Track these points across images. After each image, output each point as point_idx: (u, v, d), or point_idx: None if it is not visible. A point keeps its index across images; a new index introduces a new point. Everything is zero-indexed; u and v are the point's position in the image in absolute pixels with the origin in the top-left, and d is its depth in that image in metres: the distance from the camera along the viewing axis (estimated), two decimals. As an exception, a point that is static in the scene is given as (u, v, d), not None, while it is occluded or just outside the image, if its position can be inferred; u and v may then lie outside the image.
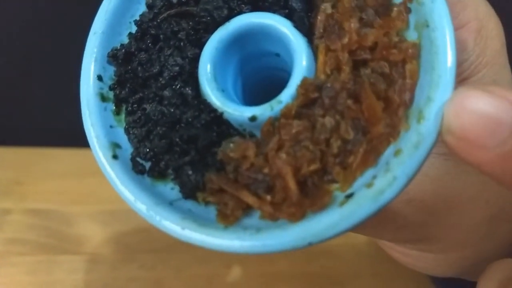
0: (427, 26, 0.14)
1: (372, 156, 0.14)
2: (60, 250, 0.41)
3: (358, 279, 0.40)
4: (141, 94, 0.18)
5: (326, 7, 0.16)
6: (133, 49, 0.19)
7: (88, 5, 0.50)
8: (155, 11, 0.19)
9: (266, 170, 0.16)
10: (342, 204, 0.14)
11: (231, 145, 0.16)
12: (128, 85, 0.19)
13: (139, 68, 0.18)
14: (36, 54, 0.53)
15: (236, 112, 0.17)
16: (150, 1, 0.19)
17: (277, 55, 0.18)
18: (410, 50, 0.14)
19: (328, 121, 0.15)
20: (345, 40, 0.15)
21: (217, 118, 0.17)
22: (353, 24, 0.15)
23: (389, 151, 0.14)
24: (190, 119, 0.17)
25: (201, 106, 0.17)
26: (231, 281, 0.38)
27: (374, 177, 0.14)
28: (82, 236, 0.42)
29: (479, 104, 0.13)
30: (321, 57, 0.16)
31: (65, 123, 0.56)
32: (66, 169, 0.52)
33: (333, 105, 0.15)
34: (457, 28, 0.18)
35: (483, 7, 0.19)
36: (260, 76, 0.20)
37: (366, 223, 0.15)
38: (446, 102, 0.13)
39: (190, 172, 0.17)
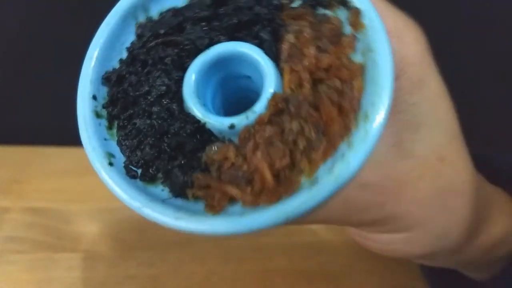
0: (371, 51, 0.19)
1: (330, 150, 0.18)
2: (58, 248, 0.41)
3: (353, 275, 0.40)
4: (131, 111, 0.21)
5: (290, 37, 0.20)
6: (124, 73, 0.21)
7: (88, 5, 0.51)
8: (144, 40, 0.21)
9: (245, 168, 0.19)
10: (310, 187, 0.18)
11: (214, 148, 0.19)
12: (120, 103, 0.21)
13: (129, 89, 0.21)
14: (35, 53, 0.53)
15: (217, 122, 0.20)
16: (139, 31, 0.22)
17: (249, 77, 0.22)
18: (356, 70, 0.19)
19: (295, 125, 0.19)
20: (306, 63, 0.19)
21: (200, 128, 0.20)
22: (312, 51, 0.19)
23: (344, 145, 0.18)
24: (177, 130, 0.20)
25: (186, 118, 0.20)
26: (229, 278, 0.39)
27: (333, 165, 0.18)
28: (80, 234, 0.43)
29: None
30: (286, 76, 0.20)
31: (63, 122, 0.56)
32: (64, 168, 0.52)
33: (298, 113, 0.19)
34: None
35: (401, 18, 0.23)
36: (237, 94, 0.23)
37: (333, 210, 0.22)
38: None
39: (179, 174, 0.19)
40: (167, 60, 0.21)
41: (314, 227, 0.45)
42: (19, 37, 0.52)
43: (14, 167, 0.51)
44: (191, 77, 0.20)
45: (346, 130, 0.18)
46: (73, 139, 0.52)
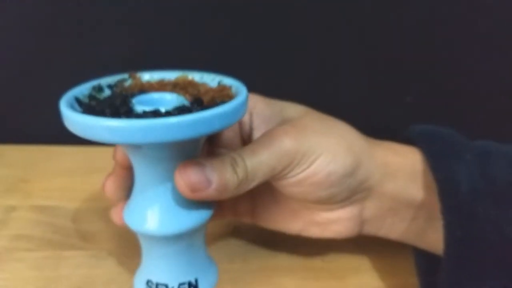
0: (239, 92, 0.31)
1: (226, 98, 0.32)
2: (66, 246, 0.41)
3: (358, 274, 0.40)
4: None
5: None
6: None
7: (92, 5, 0.51)
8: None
9: None
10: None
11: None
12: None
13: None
14: (41, 53, 0.54)
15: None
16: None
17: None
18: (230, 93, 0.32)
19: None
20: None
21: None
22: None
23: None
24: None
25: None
26: (233, 275, 0.39)
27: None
28: (87, 232, 0.43)
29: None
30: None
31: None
32: (70, 167, 0.53)
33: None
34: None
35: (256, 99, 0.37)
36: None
37: (305, 184, 0.33)
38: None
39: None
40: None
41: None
42: (26, 38, 0.53)
43: (21, 166, 0.52)
44: None
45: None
46: (79, 138, 0.53)
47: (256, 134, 0.37)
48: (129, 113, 0.28)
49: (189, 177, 0.28)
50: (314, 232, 0.38)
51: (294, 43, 0.54)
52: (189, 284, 0.33)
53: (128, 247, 0.41)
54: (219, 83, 0.34)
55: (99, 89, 0.32)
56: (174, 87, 0.33)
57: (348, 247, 0.43)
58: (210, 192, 0.29)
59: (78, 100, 0.31)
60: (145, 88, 0.33)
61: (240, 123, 0.37)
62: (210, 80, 0.34)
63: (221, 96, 0.31)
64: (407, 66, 0.55)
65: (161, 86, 0.33)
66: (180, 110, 0.28)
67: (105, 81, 0.33)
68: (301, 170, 0.33)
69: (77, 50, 0.54)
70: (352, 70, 0.56)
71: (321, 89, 0.56)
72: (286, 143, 0.32)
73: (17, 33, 0.52)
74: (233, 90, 0.32)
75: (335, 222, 0.37)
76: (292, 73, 0.56)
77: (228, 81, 0.33)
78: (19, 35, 0.52)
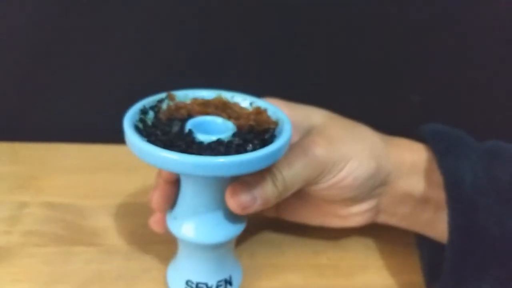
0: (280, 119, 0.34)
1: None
2: (76, 242, 0.42)
3: (365, 271, 0.41)
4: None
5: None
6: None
7: (105, 3, 0.52)
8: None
9: None
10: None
11: None
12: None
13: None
14: (52, 52, 0.54)
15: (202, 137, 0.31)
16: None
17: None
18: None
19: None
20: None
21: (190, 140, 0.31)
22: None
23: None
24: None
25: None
26: (243, 269, 0.39)
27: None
28: (97, 228, 0.44)
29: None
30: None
31: (79, 120, 0.57)
32: (80, 164, 0.53)
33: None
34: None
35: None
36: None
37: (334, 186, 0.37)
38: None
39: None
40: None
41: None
42: (38, 36, 0.53)
43: (32, 164, 0.52)
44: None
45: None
46: (88, 137, 0.54)
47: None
48: (194, 143, 0.31)
49: (239, 199, 0.33)
50: (335, 223, 0.41)
51: (298, 42, 0.55)
52: (225, 281, 0.36)
53: (136, 243, 0.42)
54: (251, 104, 0.36)
55: (145, 112, 0.34)
56: (215, 108, 0.35)
57: (354, 245, 0.44)
58: (256, 207, 0.33)
59: (134, 125, 0.32)
60: (189, 111, 0.35)
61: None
62: (241, 100, 0.37)
63: (261, 120, 0.34)
64: (412, 65, 0.55)
65: (203, 108, 0.35)
66: (238, 139, 0.32)
67: (147, 103, 0.35)
68: (332, 177, 0.37)
69: (88, 50, 0.54)
70: (352, 71, 0.56)
71: (323, 89, 0.56)
72: (318, 154, 0.36)
73: (29, 31, 0.53)
74: (269, 113, 0.35)
75: (355, 214, 0.40)
76: (295, 73, 0.56)
77: (260, 103, 0.36)
78: (31, 33, 0.53)
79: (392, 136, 0.41)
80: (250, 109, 0.36)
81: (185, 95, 0.36)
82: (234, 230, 0.34)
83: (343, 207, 0.40)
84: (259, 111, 0.35)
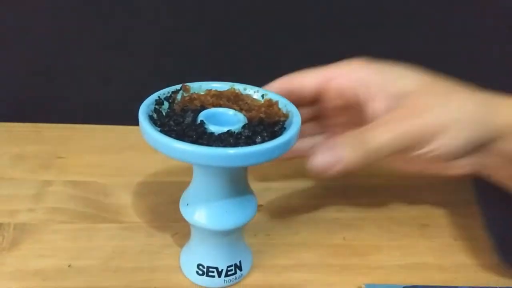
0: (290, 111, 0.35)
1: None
2: (99, 219, 0.43)
3: (379, 251, 0.41)
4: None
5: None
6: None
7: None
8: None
9: None
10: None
11: None
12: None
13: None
14: (76, 35, 0.55)
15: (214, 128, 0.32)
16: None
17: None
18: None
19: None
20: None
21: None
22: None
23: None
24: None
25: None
26: (257, 248, 0.40)
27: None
28: (119, 206, 0.45)
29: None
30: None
31: (102, 101, 0.58)
32: (102, 144, 0.54)
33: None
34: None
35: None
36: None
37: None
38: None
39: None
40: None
41: (341, 202, 0.47)
42: (62, 19, 0.54)
43: (57, 143, 0.53)
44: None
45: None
46: (110, 118, 0.54)
47: (372, 105, 0.38)
48: (205, 134, 0.32)
49: (323, 158, 0.33)
50: (434, 171, 0.40)
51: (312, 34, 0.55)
52: (235, 265, 0.37)
53: (158, 220, 0.43)
54: (263, 96, 0.37)
55: (160, 102, 0.35)
56: (227, 100, 0.36)
57: (370, 226, 0.44)
58: (336, 171, 0.34)
59: (149, 115, 0.33)
60: (202, 102, 0.35)
61: (354, 95, 0.39)
62: (253, 92, 0.37)
63: (272, 113, 0.35)
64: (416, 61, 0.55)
65: (216, 100, 0.36)
66: (248, 131, 0.32)
67: (162, 93, 0.35)
68: (423, 148, 0.35)
69: (110, 31, 0.55)
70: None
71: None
72: (408, 129, 0.34)
73: (54, 13, 0.53)
74: (280, 105, 0.35)
75: (455, 167, 0.38)
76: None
77: (271, 95, 0.37)
78: (56, 16, 0.53)
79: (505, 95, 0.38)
80: (262, 101, 0.36)
81: (199, 87, 0.37)
82: (244, 217, 0.35)
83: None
84: (270, 104, 0.35)
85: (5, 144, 0.53)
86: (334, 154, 0.34)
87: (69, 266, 0.38)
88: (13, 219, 0.42)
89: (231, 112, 0.34)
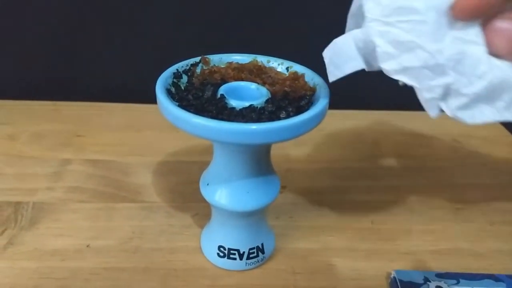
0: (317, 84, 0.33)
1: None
2: (118, 198, 0.42)
3: (408, 237, 0.40)
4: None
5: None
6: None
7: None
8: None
9: None
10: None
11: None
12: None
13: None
14: (96, 16, 0.54)
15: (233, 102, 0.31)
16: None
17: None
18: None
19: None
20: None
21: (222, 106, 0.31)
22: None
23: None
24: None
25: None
26: (280, 231, 0.39)
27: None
28: (139, 186, 0.44)
29: None
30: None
31: (123, 81, 0.58)
32: (123, 123, 0.54)
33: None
34: None
35: None
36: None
37: None
38: None
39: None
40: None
41: (369, 184, 0.45)
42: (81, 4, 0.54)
43: (76, 122, 0.53)
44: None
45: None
46: (128, 97, 0.54)
47: None
48: (225, 109, 0.30)
49: None
50: None
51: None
52: (257, 248, 0.36)
53: (177, 200, 0.42)
54: (288, 69, 0.35)
55: (179, 75, 0.33)
56: (249, 74, 0.34)
57: (398, 210, 0.43)
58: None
59: (166, 89, 0.32)
60: (223, 76, 0.34)
61: None
62: (277, 65, 0.35)
63: (297, 86, 0.32)
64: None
65: (238, 73, 0.34)
66: (271, 105, 0.30)
67: (180, 66, 0.34)
68: None
69: (130, 11, 0.54)
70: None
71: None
72: None
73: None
74: (307, 79, 0.33)
75: None
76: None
77: (297, 67, 0.34)
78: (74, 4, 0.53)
79: None
80: (287, 74, 0.34)
81: (220, 59, 0.35)
82: (266, 198, 0.33)
83: None
84: (295, 77, 0.33)
85: (24, 122, 0.53)
86: None
87: (87, 246, 0.37)
88: (31, 197, 0.42)
89: (253, 86, 0.33)
